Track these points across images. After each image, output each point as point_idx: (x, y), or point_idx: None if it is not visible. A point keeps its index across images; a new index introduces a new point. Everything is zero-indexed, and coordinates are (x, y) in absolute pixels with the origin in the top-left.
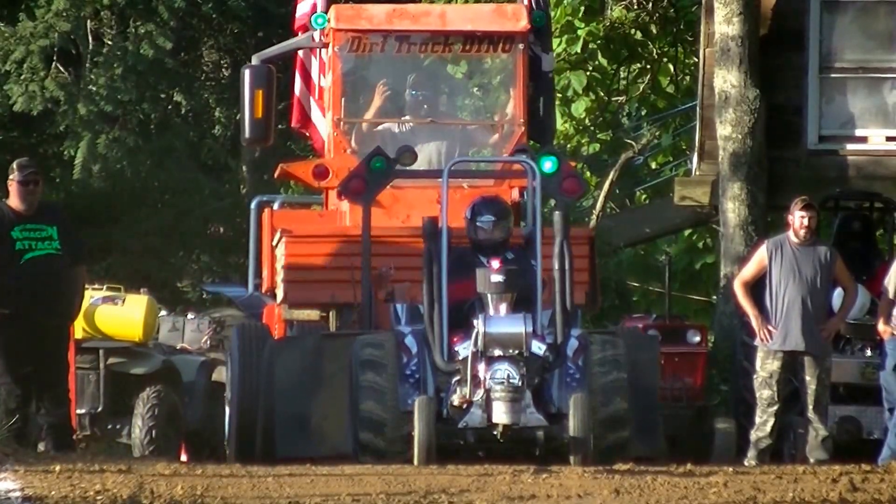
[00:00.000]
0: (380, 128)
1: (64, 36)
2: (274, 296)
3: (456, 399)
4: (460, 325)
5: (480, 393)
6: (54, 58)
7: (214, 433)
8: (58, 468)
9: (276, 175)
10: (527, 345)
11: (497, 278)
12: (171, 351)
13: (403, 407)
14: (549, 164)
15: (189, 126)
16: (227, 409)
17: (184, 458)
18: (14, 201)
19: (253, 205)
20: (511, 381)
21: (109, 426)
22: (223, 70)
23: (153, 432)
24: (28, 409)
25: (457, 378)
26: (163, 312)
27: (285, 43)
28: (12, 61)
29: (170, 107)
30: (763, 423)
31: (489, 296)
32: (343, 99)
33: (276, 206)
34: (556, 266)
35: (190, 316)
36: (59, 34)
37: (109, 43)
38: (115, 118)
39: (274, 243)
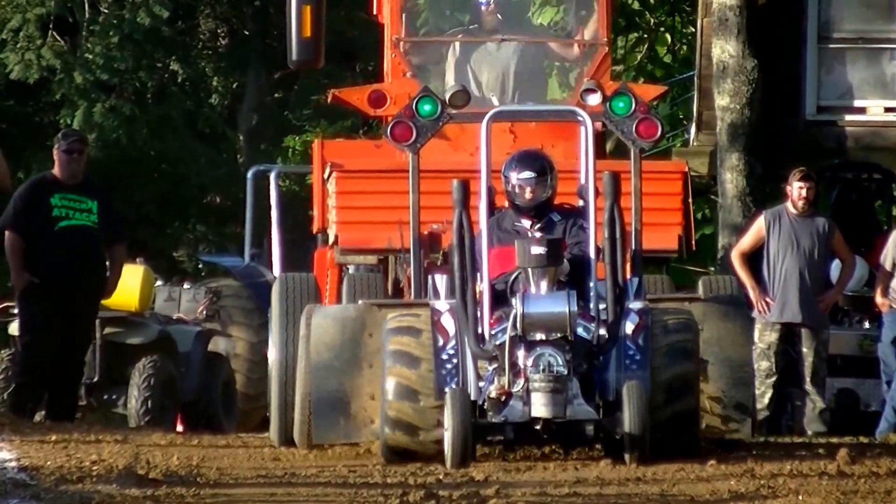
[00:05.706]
0: (445, 48)
1: (60, 4)
2: (326, 238)
3: (493, 390)
4: (505, 300)
5: (521, 383)
6: (51, 26)
7: (210, 403)
8: (54, 438)
9: (329, 100)
10: (572, 327)
11: (538, 250)
12: (168, 321)
13: (439, 397)
14: (621, 104)
15: (186, 95)
16: (270, 381)
17: (180, 428)
18: (58, 170)
19: (250, 174)
20: (554, 369)
21: (105, 396)
22: (220, 39)
23: (149, 402)
24: (35, 385)
25: (495, 366)
26: (159, 282)
27: None
28: (9, 29)
29: (166, 76)
30: (761, 395)
31: (529, 271)
32: (402, 15)
33: (273, 176)
34: (607, 234)
35: (186, 286)
36: (56, 2)
37: (106, 11)
38: (112, 87)
39: (325, 177)
